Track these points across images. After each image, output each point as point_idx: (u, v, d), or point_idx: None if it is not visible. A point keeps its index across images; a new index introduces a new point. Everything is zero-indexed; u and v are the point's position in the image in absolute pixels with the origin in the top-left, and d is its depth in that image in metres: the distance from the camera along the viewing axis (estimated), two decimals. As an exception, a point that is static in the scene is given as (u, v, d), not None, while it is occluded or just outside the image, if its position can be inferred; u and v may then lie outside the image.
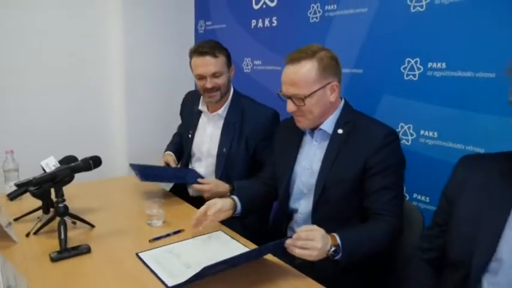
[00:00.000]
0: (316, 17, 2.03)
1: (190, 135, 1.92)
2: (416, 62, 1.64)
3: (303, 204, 1.43)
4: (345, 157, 1.32)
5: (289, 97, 1.34)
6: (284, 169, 1.47)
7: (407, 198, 1.70)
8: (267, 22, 2.33)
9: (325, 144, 1.38)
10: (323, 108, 1.34)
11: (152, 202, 1.44)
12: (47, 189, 1.32)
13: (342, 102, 1.42)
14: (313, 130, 1.42)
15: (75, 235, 1.34)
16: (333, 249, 1.14)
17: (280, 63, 2.27)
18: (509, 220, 0.93)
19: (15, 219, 1.45)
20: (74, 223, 1.39)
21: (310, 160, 1.42)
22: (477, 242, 0.95)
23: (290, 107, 1.34)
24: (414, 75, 1.65)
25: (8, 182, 1.63)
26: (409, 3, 1.63)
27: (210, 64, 1.71)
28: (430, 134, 1.62)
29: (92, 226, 1.40)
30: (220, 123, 1.83)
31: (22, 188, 1.22)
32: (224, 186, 1.70)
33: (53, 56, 2.47)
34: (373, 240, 1.24)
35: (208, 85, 1.72)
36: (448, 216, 1.05)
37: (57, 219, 1.27)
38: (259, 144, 1.80)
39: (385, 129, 1.33)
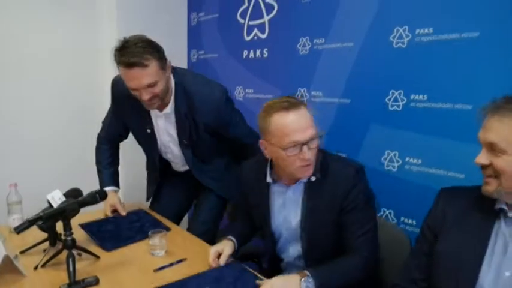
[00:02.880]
0: (306, 50, 2.15)
1: (149, 130, 1.78)
2: (400, 94, 1.75)
3: (291, 251, 1.50)
4: (323, 201, 1.38)
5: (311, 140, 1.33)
6: (261, 221, 1.53)
7: (394, 222, 1.79)
8: (258, 53, 2.44)
9: (300, 192, 1.42)
10: None
11: (154, 232, 1.50)
12: (54, 222, 1.37)
13: None
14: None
15: (81, 266, 1.39)
16: (303, 279, 1.23)
17: (271, 92, 2.39)
18: (488, 252, 1.03)
19: (21, 252, 1.49)
20: (80, 255, 1.44)
21: (288, 207, 1.46)
22: (459, 275, 1.03)
23: (312, 154, 1.33)
24: (398, 106, 1.76)
25: (11, 215, 1.68)
26: (392, 39, 1.76)
27: (140, 77, 1.50)
28: (415, 160, 1.73)
29: (97, 257, 1.45)
30: (172, 116, 1.74)
31: (31, 223, 1.27)
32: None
33: (50, 84, 2.56)
34: (346, 273, 1.32)
35: (145, 97, 1.55)
36: (433, 247, 1.14)
37: (65, 251, 1.32)
38: (219, 123, 1.75)
39: (354, 168, 1.38)
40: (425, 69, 1.67)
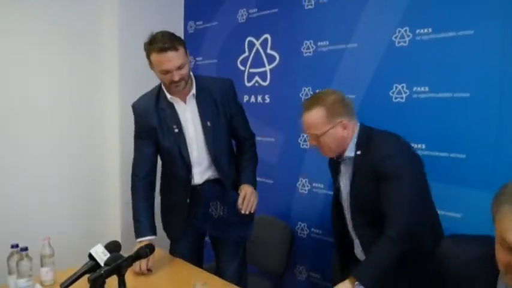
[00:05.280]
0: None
1: (177, 129, 1.90)
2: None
3: (346, 213, 1.76)
4: (362, 173, 1.62)
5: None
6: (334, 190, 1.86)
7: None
8: (259, 98, 2.62)
9: (352, 165, 1.68)
10: (339, 141, 1.65)
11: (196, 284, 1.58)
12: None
13: (358, 128, 1.69)
14: (342, 158, 1.72)
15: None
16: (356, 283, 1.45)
17: (274, 135, 2.57)
18: None
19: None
20: (127, 305, 1.51)
21: (345, 178, 1.74)
22: None
23: (310, 141, 1.72)
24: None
25: (44, 267, 1.71)
26: (391, 94, 2.00)
27: (173, 58, 1.75)
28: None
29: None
30: (194, 102, 1.93)
31: (93, 281, 1.34)
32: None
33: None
34: (382, 259, 1.49)
35: (176, 78, 1.78)
36: None
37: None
38: (232, 102, 1.99)
39: (389, 141, 1.62)
40: (422, 121, 1.92)
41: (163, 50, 1.74)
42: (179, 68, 1.78)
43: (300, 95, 2.39)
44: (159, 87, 1.95)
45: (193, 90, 1.92)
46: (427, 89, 1.91)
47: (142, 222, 1.88)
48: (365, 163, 1.61)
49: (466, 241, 1.27)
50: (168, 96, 1.90)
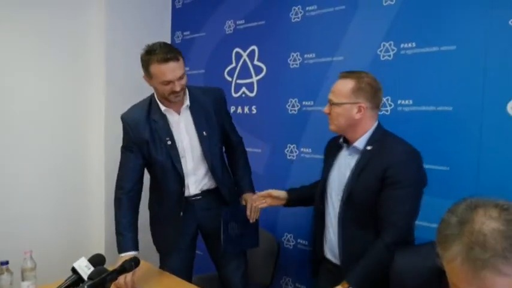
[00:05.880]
0: (295, 110, 2.37)
1: (170, 142, 1.88)
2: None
3: (333, 205, 1.72)
4: (370, 169, 1.60)
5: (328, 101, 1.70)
6: (323, 174, 1.81)
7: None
8: (246, 109, 2.63)
9: (357, 157, 1.67)
10: (348, 121, 1.64)
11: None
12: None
13: (375, 124, 1.69)
14: (349, 146, 1.71)
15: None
16: None
17: (260, 146, 2.58)
18: None
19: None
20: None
21: (344, 168, 1.71)
22: None
23: (325, 108, 1.70)
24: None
25: (25, 281, 1.67)
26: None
27: (175, 69, 1.75)
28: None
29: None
30: (188, 112, 1.92)
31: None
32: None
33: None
34: (376, 264, 1.52)
35: (178, 88, 1.76)
36: None
37: (101, 320, 1.37)
38: (223, 117, 2.04)
39: (406, 147, 1.62)
40: (406, 134, 1.92)
41: (166, 60, 1.72)
42: (180, 78, 1.77)
43: (287, 106, 2.41)
44: (149, 99, 1.92)
45: (187, 101, 1.91)
46: (411, 102, 1.94)
47: (125, 236, 1.83)
48: (376, 161, 1.60)
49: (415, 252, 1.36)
50: (163, 107, 1.88)
